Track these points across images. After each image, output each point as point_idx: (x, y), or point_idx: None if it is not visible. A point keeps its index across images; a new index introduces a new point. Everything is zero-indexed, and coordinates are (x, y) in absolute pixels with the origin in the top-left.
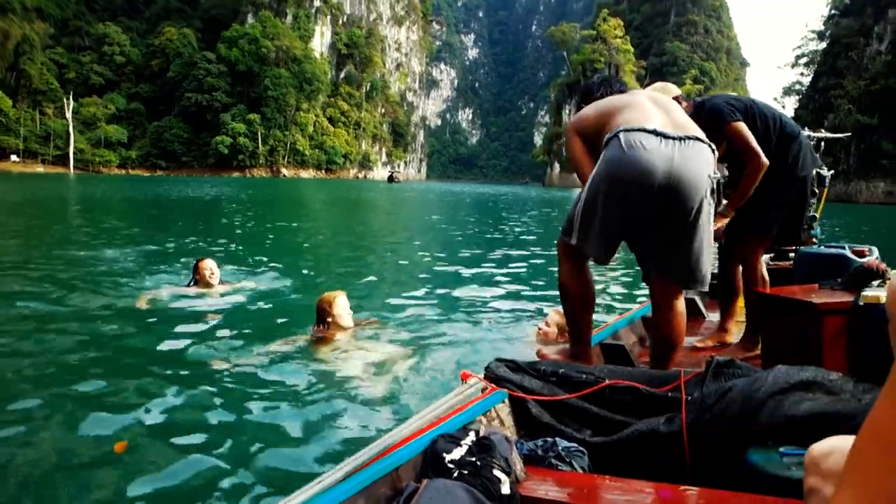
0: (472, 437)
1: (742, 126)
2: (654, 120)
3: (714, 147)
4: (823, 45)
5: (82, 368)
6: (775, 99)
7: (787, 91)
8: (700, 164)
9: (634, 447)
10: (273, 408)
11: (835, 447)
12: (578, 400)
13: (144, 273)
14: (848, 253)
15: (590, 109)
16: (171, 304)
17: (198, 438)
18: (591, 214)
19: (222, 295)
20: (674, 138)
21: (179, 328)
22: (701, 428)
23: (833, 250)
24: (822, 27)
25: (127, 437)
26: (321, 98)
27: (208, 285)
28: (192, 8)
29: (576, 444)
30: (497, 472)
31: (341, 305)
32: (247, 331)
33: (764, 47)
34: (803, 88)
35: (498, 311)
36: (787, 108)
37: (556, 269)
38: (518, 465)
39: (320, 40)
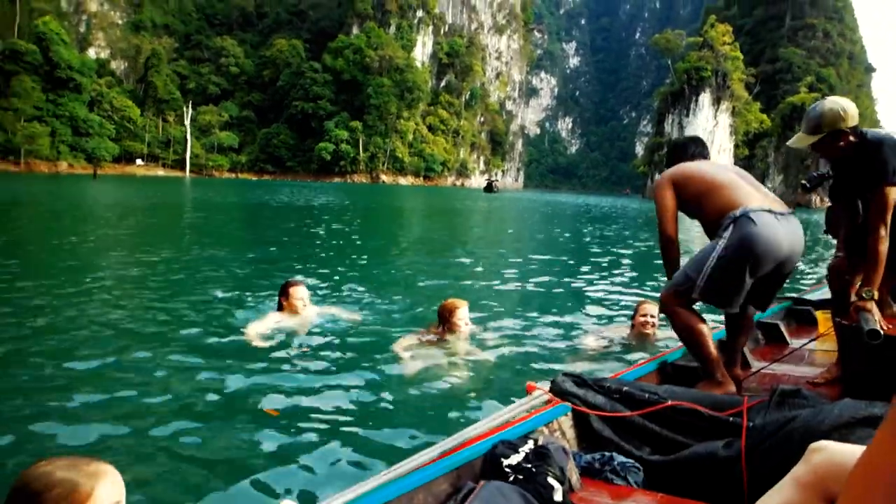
0: (530, 444)
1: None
2: (760, 199)
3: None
4: None
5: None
6: None
7: None
8: (801, 234)
9: (691, 468)
10: (370, 407)
11: (825, 447)
12: (640, 418)
13: (249, 292)
14: None
15: (688, 171)
16: (271, 333)
17: (293, 436)
18: (730, 277)
19: (314, 323)
20: (781, 214)
21: (280, 356)
22: (760, 455)
23: None
24: None
25: (270, 409)
26: (421, 106)
27: (296, 312)
28: (300, 20)
29: (632, 460)
30: (551, 480)
31: (461, 315)
32: (342, 350)
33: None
34: None
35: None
36: None
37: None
38: (574, 476)
39: (422, 50)
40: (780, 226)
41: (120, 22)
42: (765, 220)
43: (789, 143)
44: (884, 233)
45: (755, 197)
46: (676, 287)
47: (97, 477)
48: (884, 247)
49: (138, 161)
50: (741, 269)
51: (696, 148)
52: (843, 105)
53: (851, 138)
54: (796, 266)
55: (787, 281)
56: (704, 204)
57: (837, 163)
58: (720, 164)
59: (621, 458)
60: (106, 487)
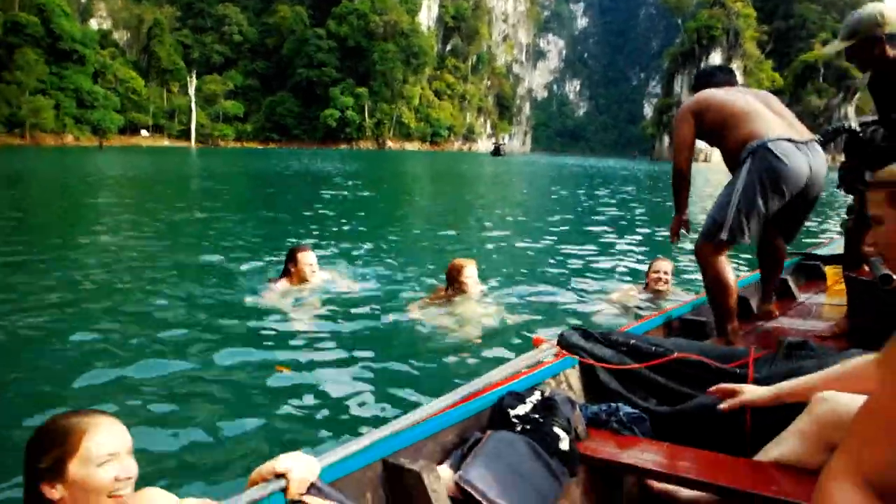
0: (537, 396)
1: None
2: (781, 128)
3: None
4: None
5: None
6: None
7: None
8: (823, 162)
9: (697, 418)
10: (382, 368)
11: (829, 396)
12: (646, 370)
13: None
14: None
15: (710, 99)
16: (281, 299)
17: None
18: (754, 209)
19: (323, 288)
20: (802, 143)
21: (290, 320)
22: (765, 406)
23: None
24: None
25: (289, 365)
26: (427, 71)
27: (304, 279)
28: None
29: (638, 411)
30: (557, 430)
31: (469, 273)
32: (351, 313)
33: None
34: None
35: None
36: None
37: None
38: (581, 426)
39: (427, 14)
40: (800, 154)
41: None
42: (784, 148)
43: (824, 49)
44: None
45: (776, 125)
46: (707, 233)
47: (91, 425)
48: None
49: (143, 132)
50: (764, 201)
51: (723, 76)
52: (882, 10)
53: (889, 49)
54: (820, 195)
55: (813, 209)
56: (724, 134)
57: (875, 79)
58: (745, 90)
59: (627, 409)
60: (99, 435)
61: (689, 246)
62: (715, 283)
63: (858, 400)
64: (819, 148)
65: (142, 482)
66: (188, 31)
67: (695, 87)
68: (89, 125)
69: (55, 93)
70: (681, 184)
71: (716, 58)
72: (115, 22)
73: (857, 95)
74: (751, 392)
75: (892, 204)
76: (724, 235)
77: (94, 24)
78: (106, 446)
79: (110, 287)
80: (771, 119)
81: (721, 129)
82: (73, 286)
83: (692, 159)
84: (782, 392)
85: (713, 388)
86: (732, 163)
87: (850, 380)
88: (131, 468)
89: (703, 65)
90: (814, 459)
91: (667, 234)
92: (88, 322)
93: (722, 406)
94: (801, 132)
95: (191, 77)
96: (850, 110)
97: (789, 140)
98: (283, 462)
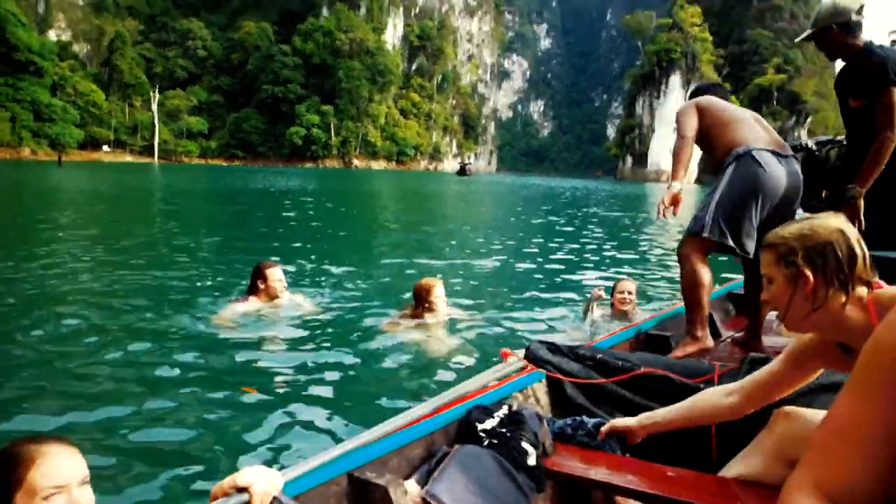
0: (504, 410)
1: None
2: (765, 141)
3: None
4: None
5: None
6: None
7: None
8: (800, 176)
9: (662, 433)
10: (354, 381)
11: (790, 412)
12: (613, 385)
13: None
14: None
15: (710, 101)
16: (250, 316)
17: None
18: (733, 209)
19: (292, 305)
20: (783, 156)
21: (259, 337)
22: (729, 421)
23: None
24: None
25: (256, 386)
26: (393, 90)
27: (275, 296)
28: (268, 1)
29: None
30: (525, 445)
31: (438, 293)
32: (320, 331)
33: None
34: None
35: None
36: None
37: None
38: (548, 441)
39: (393, 32)
40: (780, 165)
41: (81, 2)
42: (766, 158)
43: (797, 39)
44: (890, 133)
45: (761, 137)
46: (689, 231)
47: (40, 454)
48: (890, 146)
49: (105, 147)
50: (745, 203)
51: (720, 91)
52: (836, 1)
53: (849, 39)
54: (796, 209)
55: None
56: (714, 136)
57: (842, 73)
58: (737, 106)
59: (594, 422)
60: (47, 466)
61: (660, 246)
62: (689, 279)
63: (819, 415)
64: (796, 163)
65: None
66: (151, 45)
67: (692, 96)
68: (47, 139)
69: (11, 105)
70: (682, 150)
71: (675, 80)
72: (74, 34)
73: (810, 119)
74: (618, 422)
75: (780, 264)
76: (705, 234)
77: (52, 35)
78: (53, 478)
79: (70, 302)
80: (759, 131)
81: (712, 132)
82: (23, 308)
83: (694, 135)
84: (634, 424)
85: (604, 428)
86: (718, 166)
87: (696, 412)
88: (83, 500)
89: (663, 87)
90: (776, 474)
91: (629, 255)
92: (49, 342)
93: (602, 429)
94: (783, 147)
95: (153, 92)
96: (803, 133)
97: (772, 152)
98: (244, 476)
